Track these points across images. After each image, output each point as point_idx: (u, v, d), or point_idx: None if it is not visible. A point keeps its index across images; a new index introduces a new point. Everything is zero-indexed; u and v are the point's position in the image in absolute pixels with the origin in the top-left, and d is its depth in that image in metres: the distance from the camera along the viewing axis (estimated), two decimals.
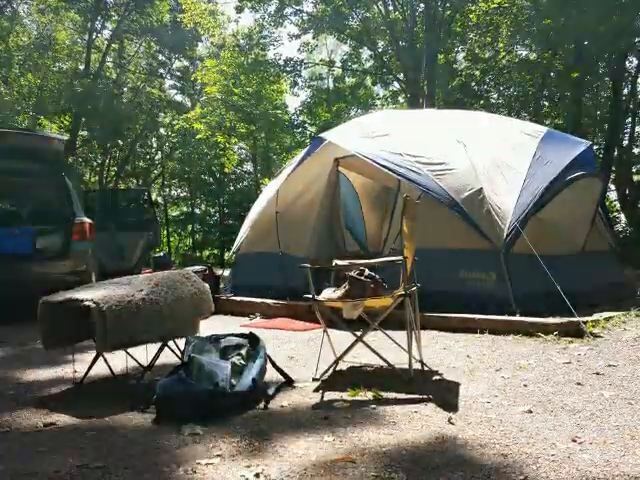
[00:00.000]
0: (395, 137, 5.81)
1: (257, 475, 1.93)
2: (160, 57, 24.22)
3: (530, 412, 2.54)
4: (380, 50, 19.80)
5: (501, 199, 5.05)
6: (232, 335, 3.35)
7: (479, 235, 4.94)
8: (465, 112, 8.15)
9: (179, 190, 29.05)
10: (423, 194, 5.14)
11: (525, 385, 2.97)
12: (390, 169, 5.37)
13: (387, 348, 3.57)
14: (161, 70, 24.70)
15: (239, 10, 19.14)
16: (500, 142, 5.70)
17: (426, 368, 3.38)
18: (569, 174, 5.40)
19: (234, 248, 7.48)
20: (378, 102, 23.42)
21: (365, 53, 21.59)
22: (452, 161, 5.32)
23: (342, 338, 3.61)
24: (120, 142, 22.95)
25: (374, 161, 5.48)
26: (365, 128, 6.29)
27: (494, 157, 5.41)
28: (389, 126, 6.20)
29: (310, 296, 3.27)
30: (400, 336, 3.57)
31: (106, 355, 3.18)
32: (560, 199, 5.23)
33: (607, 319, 4.54)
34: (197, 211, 28.88)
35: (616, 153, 15.12)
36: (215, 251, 26.81)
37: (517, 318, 4.45)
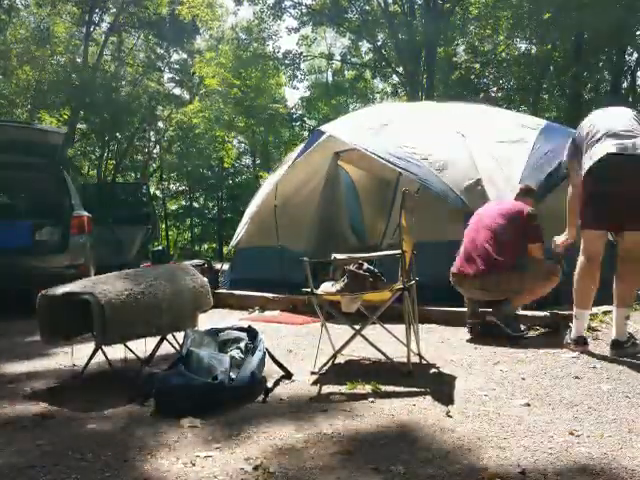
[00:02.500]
0: (394, 128, 5.79)
1: (256, 468, 1.94)
2: (158, 50, 24.14)
3: (528, 405, 2.54)
4: (379, 43, 19.75)
5: (499, 190, 5.04)
6: (231, 329, 3.35)
7: None
8: (464, 104, 8.10)
9: (177, 184, 29.03)
10: (422, 187, 5.14)
11: (523, 378, 2.98)
12: (390, 162, 5.36)
13: (386, 342, 3.58)
14: (159, 63, 24.62)
15: (238, 2, 19.07)
16: (499, 133, 5.68)
17: (424, 361, 3.39)
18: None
19: (233, 242, 7.47)
20: (377, 95, 23.38)
21: (364, 46, 21.54)
22: (451, 152, 5.30)
23: (341, 332, 3.62)
24: (118, 135, 22.91)
25: (374, 154, 5.46)
26: (364, 120, 6.27)
27: (492, 149, 5.40)
28: (388, 117, 6.18)
29: (309, 290, 3.27)
30: (399, 330, 3.58)
31: (105, 348, 3.18)
32: (559, 192, 5.22)
33: (605, 313, 4.54)
34: (196, 205, 28.88)
35: None
36: (214, 245, 26.84)
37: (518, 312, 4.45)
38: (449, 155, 5.28)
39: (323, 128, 6.42)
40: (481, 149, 5.35)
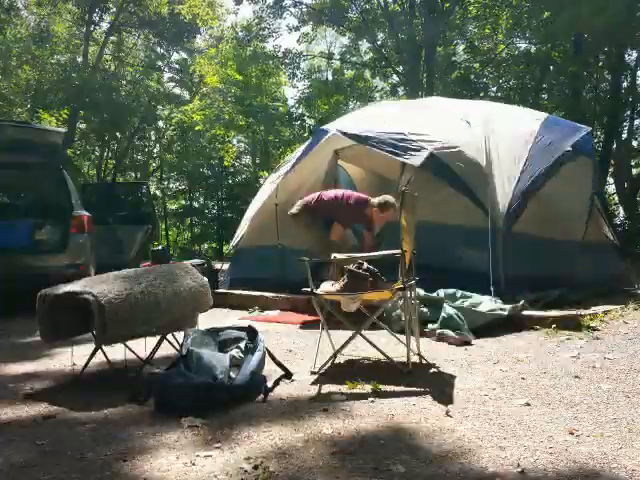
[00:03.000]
0: (397, 122, 5.80)
1: (256, 467, 1.94)
2: (158, 49, 24.12)
3: (528, 405, 2.55)
4: (379, 42, 19.74)
5: (502, 179, 5.07)
6: (231, 328, 3.35)
7: (481, 212, 4.93)
8: (466, 100, 8.13)
9: (177, 183, 29.00)
10: (421, 172, 5.15)
11: (523, 378, 2.98)
12: (392, 152, 5.35)
13: (385, 341, 3.58)
14: (159, 63, 24.60)
15: (238, 1, 19.07)
16: (502, 124, 5.71)
17: (424, 361, 3.39)
18: (566, 157, 5.44)
19: (234, 241, 7.47)
20: (377, 95, 23.36)
21: (364, 45, 21.53)
22: (456, 138, 5.32)
23: (341, 331, 3.61)
24: (118, 135, 22.88)
25: (377, 144, 5.46)
26: (366, 117, 6.31)
27: (497, 138, 5.42)
28: (391, 113, 6.24)
29: (309, 289, 3.27)
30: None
31: (105, 348, 3.18)
32: (558, 182, 5.25)
33: (605, 312, 4.55)
34: (195, 204, 28.87)
35: (615, 146, 15.11)
36: (214, 244, 26.84)
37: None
38: (454, 140, 5.29)
39: (325, 127, 6.43)
40: (485, 137, 5.36)
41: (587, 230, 5.64)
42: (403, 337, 3.24)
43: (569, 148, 5.45)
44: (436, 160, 5.12)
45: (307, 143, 6.80)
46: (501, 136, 5.47)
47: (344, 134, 5.71)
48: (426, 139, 5.33)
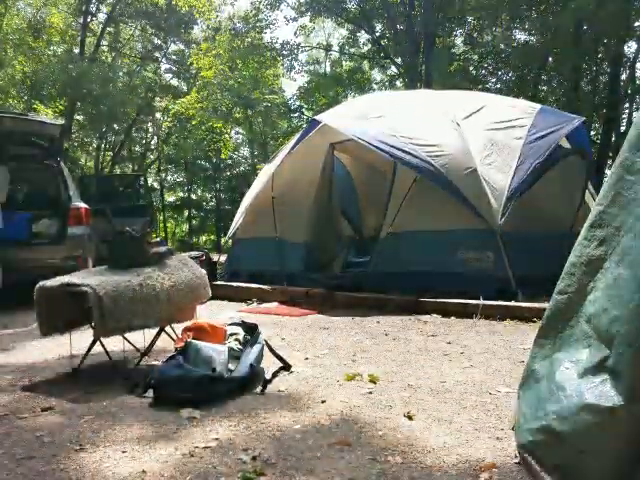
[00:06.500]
0: (390, 118, 5.80)
1: (254, 458, 1.94)
2: (156, 40, 23.98)
3: None
4: (378, 34, 19.66)
5: (496, 178, 5.08)
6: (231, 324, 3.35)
7: (475, 215, 4.95)
8: (459, 92, 8.08)
9: (175, 175, 28.95)
10: (419, 176, 5.17)
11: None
12: (386, 151, 5.36)
13: (383, 333, 3.58)
14: (156, 54, 24.46)
15: None
16: (494, 120, 5.70)
17: (423, 352, 3.40)
18: (561, 150, 5.45)
19: (229, 233, 7.48)
20: (376, 87, 23.28)
21: (363, 37, 21.42)
22: (446, 142, 5.33)
23: (338, 322, 3.63)
24: (116, 126, 22.80)
25: (370, 144, 5.47)
26: (360, 109, 6.28)
27: (488, 136, 5.42)
28: (384, 107, 6.20)
29: None
30: (397, 321, 3.59)
31: (103, 340, 3.18)
32: (549, 177, 5.27)
33: None
34: (193, 196, 28.85)
35: (614, 138, 15.10)
36: (212, 237, 26.85)
37: (513, 303, 4.47)
38: (444, 144, 5.29)
39: (318, 118, 6.41)
40: (477, 137, 5.37)
41: (577, 219, 5.65)
42: (402, 329, 3.25)
43: (563, 139, 5.47)
44: (431, 167, 5.12)
45: (301, 133, 6.79)
46: (493, 133, 5.48)
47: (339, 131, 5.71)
48: (418, 142, 5.33)
